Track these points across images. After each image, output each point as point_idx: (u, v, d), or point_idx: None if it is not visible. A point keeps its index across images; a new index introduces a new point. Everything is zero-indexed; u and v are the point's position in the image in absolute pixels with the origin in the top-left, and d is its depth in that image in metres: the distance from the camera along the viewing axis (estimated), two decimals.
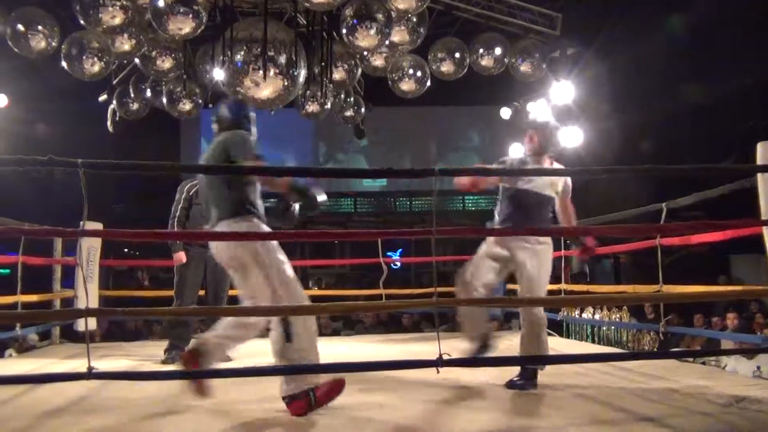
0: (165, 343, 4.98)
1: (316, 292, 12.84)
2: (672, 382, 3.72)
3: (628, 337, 7.34)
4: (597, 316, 7.51)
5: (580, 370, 4.17)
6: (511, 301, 6.38)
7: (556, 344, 5.91)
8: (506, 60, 6.98)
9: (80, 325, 6.14)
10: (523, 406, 3.20)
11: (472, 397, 3.45)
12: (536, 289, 3.89)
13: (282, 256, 3.28)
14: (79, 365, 4.38)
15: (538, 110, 7.86)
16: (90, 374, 2.74)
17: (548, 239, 3.98)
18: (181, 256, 4.97)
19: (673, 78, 10.88)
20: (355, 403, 3.31)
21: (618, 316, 7.48)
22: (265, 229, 3.37)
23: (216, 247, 3.32)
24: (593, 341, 7.27)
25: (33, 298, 5.70)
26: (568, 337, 7.23)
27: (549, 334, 6.47)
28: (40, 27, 5.91)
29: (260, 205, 3.42)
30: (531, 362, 3.91)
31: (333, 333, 8.43)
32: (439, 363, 2.78)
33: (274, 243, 3.29)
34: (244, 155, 3.26)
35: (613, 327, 7.42)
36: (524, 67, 7.05)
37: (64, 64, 6.14)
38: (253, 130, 3.59)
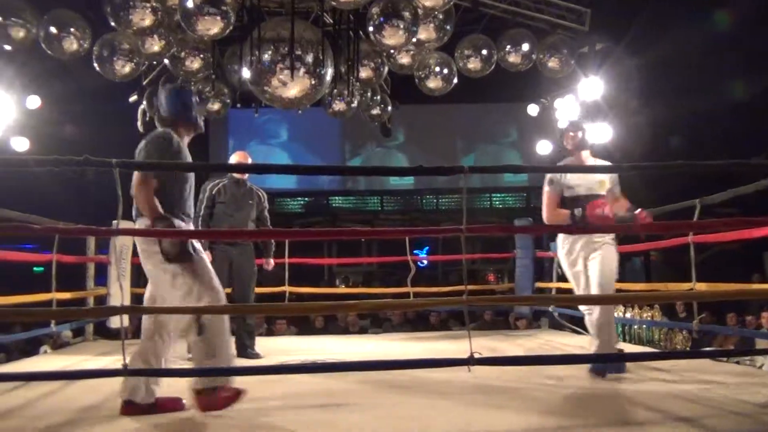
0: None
1: (343, 290, 12.90)
2: (706, 382, 3.65)
3: (660, 336, 7.24)
4: (628, 315, 7.42)
5: None
6: (542, 299, 6.34)
7: (586, 343, 5.84)
8: (534, 56, 6.92)
9: (113, 322, 6.25)
10: (555, 406, 3.17)
11: (503, 396, 3.42)
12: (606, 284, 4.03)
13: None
14: (112, 361, 4.47)
15: (566, 108, 7.78)
16: (125, 370, 2.79)
17: (607, 236, 4.10)
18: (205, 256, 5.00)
19: (704, 73, 10.70)
20: (385, 401, 3.31)
21: (649, 314, 7.38)
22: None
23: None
24: (624, 340, 7.17)
25: (67, 295, 5.82)
26: None
27: (579, 333, 6.45)
28: (72, 29, 6.01)
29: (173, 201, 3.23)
30: (554, 363, 3.91)
31: (360, 331, 8.46)
32: (470, 362, 2.76)
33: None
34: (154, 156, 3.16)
35: (644, 326, 7.32)
36: (552, 63, 6.98)
37: (95, 65, 6.24)
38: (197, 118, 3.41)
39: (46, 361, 5.24)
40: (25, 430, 2.80)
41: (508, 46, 6.86)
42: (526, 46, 6.84)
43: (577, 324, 6.90)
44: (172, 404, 3.11)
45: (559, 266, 6.96)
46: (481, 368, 3.12)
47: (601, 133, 7.54)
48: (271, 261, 5.48)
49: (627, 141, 8.57)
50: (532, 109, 8.42)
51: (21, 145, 7.11)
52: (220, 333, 3.07)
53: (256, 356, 5.12)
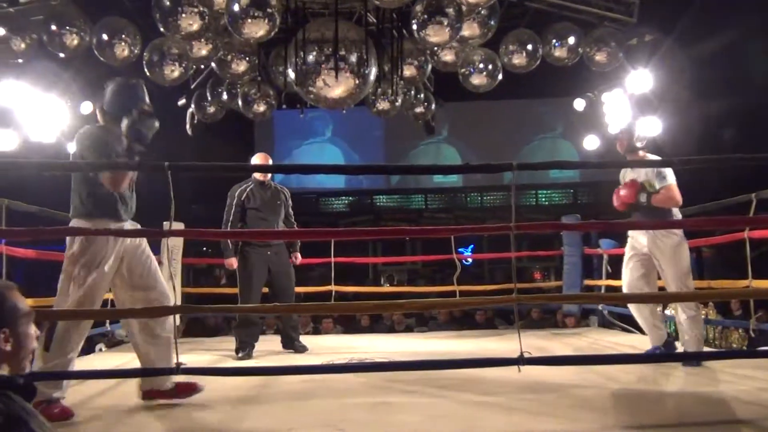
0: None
1: (388, 289, 12.92)
2: (764, 382, 3.53)
3: (715, 334, 7.03)
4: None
5: (665, 369, 4.02)
6: (592, 297, 6.23)
7: (637, 342, 5.72)
8: (580, 50, 6.79)
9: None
10: (607, 406, 3.11)
11: (553, 395, 3.37)
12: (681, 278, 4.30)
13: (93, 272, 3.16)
14: None
15: (614, 102, 7.62)
16: (178, 369, 2.85)
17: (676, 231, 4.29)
18: (232, 262, 5.20)
19: (757, 64, 10.33)
20: (433, 401, 3.30)
21: (703, 312, 7.16)
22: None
23: None
24: (677, 339, 6.99)
25: None
26: None
27: (629, 331, 6.32)
28: (123, 36, 6.16)
29: (110, 203, 3.22)
30: (607, 362, 3.84)
31: (406, 329, 8.45)
32: (520, 361, 2.74)
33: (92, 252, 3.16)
34: (97, 151, 3.14)
35: None
36: (599, 57, 6.83)
37: (145, 70, 6.38)
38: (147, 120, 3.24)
39: (101, 359, 5.39)
40: (83, 426, 2.88)
41: (554, 41, 6.74)
42: (572, 40, 6.71)
43: (627, 322, 6.76)
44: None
45: (608, 263, 6.87)
46: (531, 367, 3.08)
47: (651, 126, 7.36)
48: (299, 255, 5.51)
49: (678, 135, 8.34)
50: (579, 104, 8.27)
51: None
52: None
53: (303, 348, 5.23)
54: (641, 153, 4.42)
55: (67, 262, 3.15)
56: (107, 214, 3.19)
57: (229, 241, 5.32)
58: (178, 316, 5.61)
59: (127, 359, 5.10)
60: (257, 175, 5.29)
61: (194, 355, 4.94)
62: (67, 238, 3.18)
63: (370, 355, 5.18)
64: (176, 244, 6.30)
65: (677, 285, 4.18)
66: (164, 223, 3.63)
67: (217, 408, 3.16)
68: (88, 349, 6.94)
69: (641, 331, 6.66)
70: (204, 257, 13.24)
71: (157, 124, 3.17)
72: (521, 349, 2.75)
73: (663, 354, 4.27)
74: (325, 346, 5.79)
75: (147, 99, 3.32)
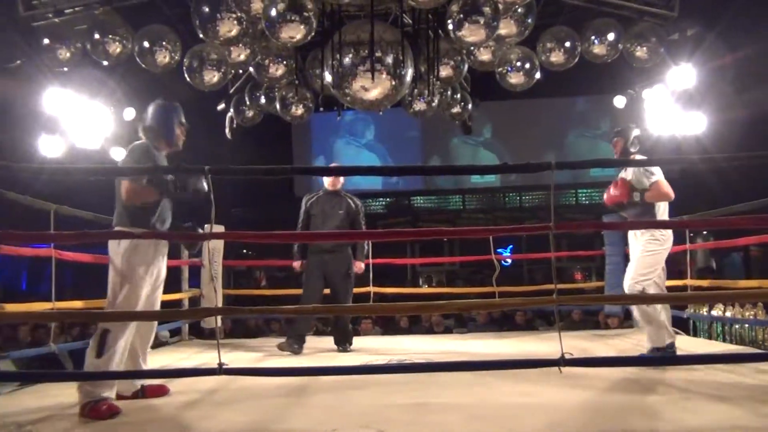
0: (282, 340, 5.35)
1: (427, 290, 12.90)
2: None
3: (764, 335, 6.83)
4: (728, 314, 7.04)
5: (712, 371, 3.91)
6: (635, 298, 6.11)
7: (683, 343, 5.59)
8: (620, 46, 6.67)
9: (207, 322, 6.50)
10: (656, 409, 3.04)
11: (596, 397, 3.32)
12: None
13: (147, 276, 3.32)
14: (208, 360, 4.65)
15: (655, 98, 7.46)
16: (220, 370, 2.89)
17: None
18: (295, 265, 5.67)
19: None
20: (474, 401, 3.29)
21: (752, 313, 6.96)
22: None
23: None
24: (724, 340, 6.82)
25: (165, 297, 6.09)
26: (696, 336, 6.83)
27: (675, 333, 6.17)
28: (164, 43, 6.29)
29: (143, 215, 3.37)
30: (653, 364, 3.76)
31: (445, 330, 8.43)
32: (561, 362, 2.70)
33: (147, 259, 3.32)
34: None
35: (746, 325, 6.92)
36: (640, 53, 6.69)
37: (186, 76, 6.50)
38: (176, 136, 3.58)
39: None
40: (130, 424, 2.95)
41: (593, 37, 6.63)
42: (611, 36, 6.60)
43: (672, 323, 6.61)
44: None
45: None
46: (572, 369, 3.04)
47: (695, 123, 7.19)
48: (360, 264, 5.78)
49: (722, 131, 8.13)
50: (619, 101, 8.13)
51: (119, 155, 7.51)
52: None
53: (345, 349, 5.56)
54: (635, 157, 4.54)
55: (112, 271, 3.30)
56: (142, 226, 3.34)
57: (295, 245, 5.77)
58: (220, 318, 5.71)
59: (171, 360, 5.21)
60: (326, 184, 5.71)
61: (235, 354, 5.00)
62: (110, 248, 3.30)
63: (408, 356, 5.18)
64: (217, 246, 6.40)
65: (629, 282, 4.41)
66: (205, 225, 3.69)
67: (258, 408, 3.20)
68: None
69: (687, 332, 6.55)
70: (244, 259, 13.43)
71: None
72: (562, 350, 2.71)
73: (717, 355, 4.20)
74: (365, 347, 5.81)
75: (183, 119, 3.63)
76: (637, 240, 4.50)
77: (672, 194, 4.38)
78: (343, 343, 5.57)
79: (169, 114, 3.58)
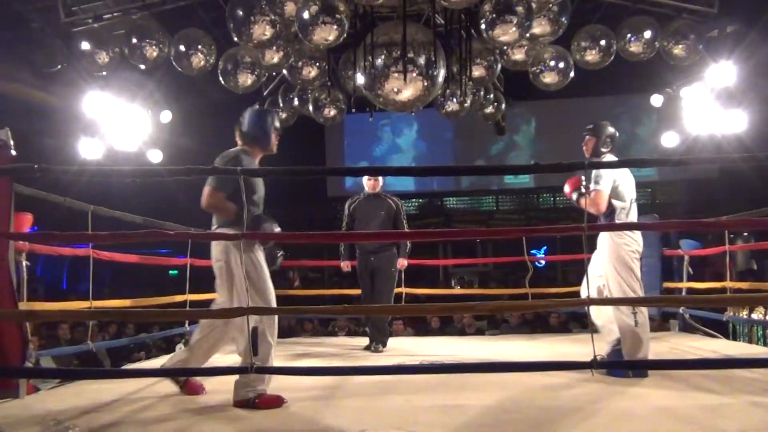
0: (315, 340, 5.42)
1: (459, 291, 12.84)
2: None
3: None
4: None
5: (754, 375, 3.81)
6: (670, 300, 6.00)
7: (721, 347, 5.46)
8: (657, 44, 6.55)
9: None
10: (693, 414, 2.97)
11: (628, 402, 3.27)
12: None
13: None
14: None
15: (694, 97, 7.31)
16: (252, 369, 2.92)
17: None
18: (342, 265, 5.92)
19: None
20: (505, 404, 3.26)
21: None
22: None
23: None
24: (765, 344, 6.64)
25: (199, 296, 6.19)
26: (735, 340, 6.66)
27: (713, 336, 6.05)
28: (199, 46, 6.39)
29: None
30: (685, 367, 3.69)
31: (477, 332, 8.38)
32: (593, 365, 2.66)
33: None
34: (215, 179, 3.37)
35: None
36: (677, 50, 6.56)
37: (220, 79, 6.60)
38: (272, 141, 3.69)
39: None
40: (165, 421, 3.00)
41: (629, 35, 6.52)
42: (648, 34, 6.48)
43: (711, 326, 6.46)
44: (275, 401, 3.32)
45: (690, 265, 6.58)
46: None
47: (735, 121, 7.02)
48: (403, 261, 5.91)
49: (764, 129, 7.92)
50: (656, 100, 7.98)
51: (156, 157, 7.66)
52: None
53: (378, 349, 5.64)
54: (607, 157, 4.25)
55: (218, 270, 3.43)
56: (238, 226, 3.38)
57: (341, 247, 6.00)
58: (252, 318, 5.77)
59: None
60: (366, 187, 5.83)
61: None
62: (214, 250, 3.43)
63: (440, 357, 5.16)
64: None
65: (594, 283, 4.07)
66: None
67: (290, 408, 3.23)
68: (168, 349, 7.24)
69: (726, 336, 6.39)
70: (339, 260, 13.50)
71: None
72: (594, 352, 2.67)
73: (759, 359, 4.07)
74: (396, 348, 5.81)
75: (279, 125, 3.76)
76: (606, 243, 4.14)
77: (602, 209, 4.01)
78: (378, 342, 5.64)
79: (265, 119, 3.67)
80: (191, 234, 4.71)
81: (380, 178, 5.98)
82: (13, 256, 3.42)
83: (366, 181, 5.89)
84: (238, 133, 3.65)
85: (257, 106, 3.83)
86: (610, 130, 4.31)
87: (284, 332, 8.47)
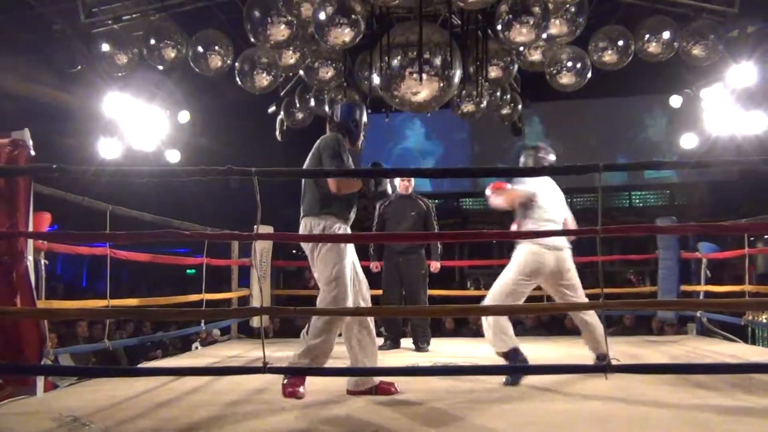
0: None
1: (474, 292, 12.78)
2: None
3: None
4: None
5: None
6: (687, 304, 5.95)
7: (740, 351, 5.39)
8: (676, 44, 6.48)
9: (255, 321, 6.61)
10: (711, 419, 2.94)
11: (644, 406, 3.23)
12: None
13: (345, 260, 3.49)
14: (255, 359, 4.72)
15: (713, 98, 7.23)
16: (265, 369, 2.94)
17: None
18: (372, 266, 5.90)
19: None
20: (518, 406, 3.25)
21: None
22: (339, 227, 3.58)
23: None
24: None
25: (215, 296, 6.24)
26: (755, 344, 6.58)
27: (732, 340, 5.97)
28: (216, 47, 6.45)
29: (340, 205, 3.59)
30: (700, 371, 3.64)
31: None
32: (607, 368, 2.65)
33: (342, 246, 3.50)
34: (330, 156, 3.52)
35: None
36: (697, 51, 6.49)
37: (237, 79, 6.64)
38: (361, 136, 3.80)
39: (196, 357, 5.63)
40: (179, 420, 3.03)
41: (648, 36, 6.47)
42: (667, 34, 6.42)
43: (730, 330, 6.38)
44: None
45: (708, 268, 6.51)
46: (621, 376, 2.97)
47: (756, 122, 6.93)
48: (436, 264, 6.07)
49: None
50: (675, 101, 7.90)
51: (173, 157, 7.73)
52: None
53: (423, 348, 5.77)
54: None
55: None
56: (336, 214, 3.56)
57: (371, 248, 6.05)
58: (266, 317, 5.83)
59: (220, 358, 5.32)
60: (399, 188, 5.85)
61: (283, 353, 5.07)
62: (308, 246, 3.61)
63: (455, 359, 5.15)
64: (265, 247, 6.51)
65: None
66: (254, 226, 3.76)
67: (303, 407, 3.24)
68: (185, 348, 7.30)
69: (744, 340, 6.31)
70: (294, 260, 13.58)
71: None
72: (608, 355, 2.65)
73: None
74: (411, 349, 5.81)
75: (365, 118, 3.85)
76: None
77: (509, 204, 4.20)
78: (422, 343, 5.75)
79: (358, 114, 3.77)
80: (206, 234, 4.74)
81: (412, 180, 6.01)
82: (31, 255, 3.47)
83: (399, 182, 5.88)
84: (329, 122, 3.79)
85: (351, 101, 3.97)
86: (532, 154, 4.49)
87: (299, 332, 8.51)
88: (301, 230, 3.63)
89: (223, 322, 6.83)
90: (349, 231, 3.68)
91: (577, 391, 3.53)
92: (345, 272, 3.45)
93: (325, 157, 3.55)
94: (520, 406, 3.26)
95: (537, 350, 5.73)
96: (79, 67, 6.50)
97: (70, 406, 3.25)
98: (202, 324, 6.24)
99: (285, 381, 3.43)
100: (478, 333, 8.26)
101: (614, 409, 3.14)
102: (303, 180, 3.73)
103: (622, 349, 5.15)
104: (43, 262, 3.74)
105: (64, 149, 8.07)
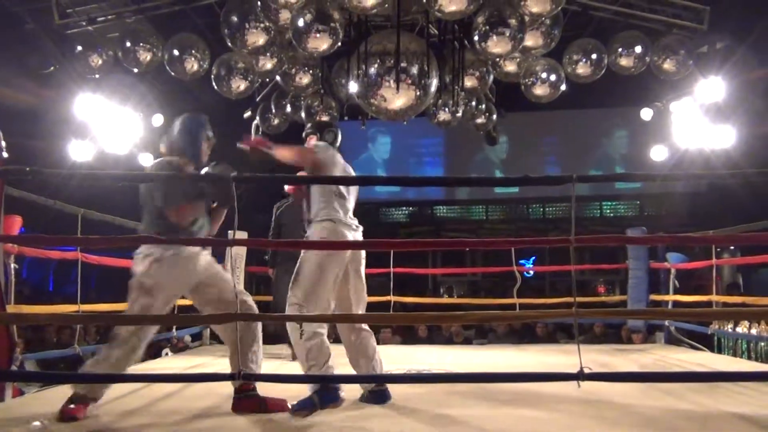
0: None
1: (447, 300, 12.85)
2: None
3: None
4: (753, 331, 6.90)
5: (739, 389, 3.85)
6: (657, 313, 6.05)
7: (706, 360, 5.51)
8: (647, 58, 6.63)
9: None
10: (680, 426, 3.00)
11: (615, 412, 3.29)
12: None
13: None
14: (228, 366, 4.67)
15: (683, 111, 7.39)
16: (239, 375, 2.92)
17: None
18: (271, 272, 5.72)
19: None
20: (491, 413, 3.27)
21: None
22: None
23: None
24: (749, 358, 6.69)
25: (187, 301, 6.16)
26: (720, 353, 6.71)
27: (698, 349, 6.09)
28: (193, 51, 6.41)
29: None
30: (669, 380, 3.70)
31: (465, 341, 8.38)
32: (580, 376, 2.68)
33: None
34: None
35: None
36: (668, 65, 6.64)
37: (213, 84, 6.61)
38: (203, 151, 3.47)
39: (167, 364, 5.57)
40: (150, 427, 2.99)
41: (620, 49, 6.60)
42: (639, 49, 6.56)
43: (696, 339, 6.52)
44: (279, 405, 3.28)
45: (676, 278, 6.63)
46: (591, 383, 3.02)
47: (724, 136, 7.11)
48: None
49: (753, 144, 8.01)
50: (646, 114, 8.07)
51: (147, 160, 7.64)
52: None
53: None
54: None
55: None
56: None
57: (269, 253, 5.87)
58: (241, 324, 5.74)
59: (191, 364, 5.27)
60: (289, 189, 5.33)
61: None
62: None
63: (428, 366, 5.17)
64: (239, 252, 6.47)
65: None
66: (229, 232, 3.74)
67: (278, 416, 3.22)
68: (154, 354, 7.20)
69: (711, 349, 6.44)
70: (267, 266, 13.50)
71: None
72: (581, 364, 2.69)
73: (743, 373, 4.09)
74: (383, 356, 5.80)
75: (211, 134, 3.53)
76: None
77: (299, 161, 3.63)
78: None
79: (194, 128, 3.49)
80: (181, 239, 4.68)
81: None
82: (1, 259, 3.40)
83: (287, 188, 5.15)
84: (164, 145, 3.50)
85: (186, 115, 3.56)
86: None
87: (272, 339, 8.44)
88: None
89: (194, 328, 6.76)
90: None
91: (548, 397, 3.57)
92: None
93: (158, 188, 3.25)
94: (491, 412, 3.29)
95: (508, 358, 5.79)
96: (52, 68, 6.41)
97: (37, 412, 3.19)
98: (173, 330, 6.17)
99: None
100: (450, 340, 8.32)
101: (585, 416, 3.19)
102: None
103: (593, 358, 5.21)
104: (12, 266, 3.68)
105: (32, 151, 7.92)
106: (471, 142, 13.79)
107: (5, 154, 3.37)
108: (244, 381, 3.10)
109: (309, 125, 4.05)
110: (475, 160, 14.98)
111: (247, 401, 3.25)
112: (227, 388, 3.38)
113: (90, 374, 3.13)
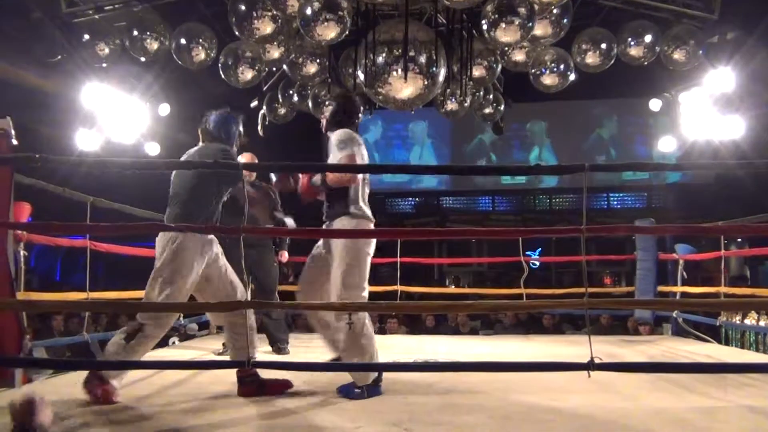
0: (309, 336, 5.32)
1: (454, 290, 12.86)
2: None
3: None
4: (762, 323, 6.88)
5: (747, 380, 3.83)
6: (666, 303, 6.03)
7: (714, 351, 5.50)
8: (657, 48, 6.57)
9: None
10: (688, 417, 2.99)
11: (624, 404, 3.29)
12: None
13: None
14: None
15: (692, 102, 7.33)
16: (248, 363, 2.93)
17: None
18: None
19: None
20: (500, 403, 3.28)
21: None
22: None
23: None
24: (756, 350, 6.67)
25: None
26: (728, 345, 6.70)
27: (705, 340, 6.07)
28: (200, 40, 6.38)
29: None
30: (681, 371, 3.69)
31: (471, 331, 8.40)
32: (590, 366, 2.68)
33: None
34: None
35: None
36: (677, 55, 6.59)
37: (221, 73, 6.59)
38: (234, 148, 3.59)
39: (174, 352, 5.59)
40: (160, 414, 3.00)
41: (629, 39, 6.55)
42: (648, 38, 6.51)
43: (703, 331, 6.50)
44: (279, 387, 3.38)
45: (684, 270, 6.61)
46: (599, 374, 3.01)
47: (733, 127, 7.05)
48: (284, 254, 5.61)
49: (762, 135, 7.96)
50: (655, 104, 8.01)
51: (153, 149, 7.64)
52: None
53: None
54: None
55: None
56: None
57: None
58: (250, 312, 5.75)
59: (199, 353, 5.29)
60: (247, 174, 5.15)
61: (264, 348, 5.04)
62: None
63: (435, 355, 5.17)
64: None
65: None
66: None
67: (286, 404, 3.23)
68: (162, 342, 7.23)
69: (718, 341, 6.43)
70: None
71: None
72: (591, 353, 2.69)
73: (751, 364, 4.08)
74: (390, 346, 5.81)
75: (242, 128, 3.70)
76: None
77: (345, 179, 3.47)
78: (277, 344, 5.19)
79: (227, 122, 3.60)
80: (189, 227, 4.69)
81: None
82: (11, 246, 3.41)
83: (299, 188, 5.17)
84: (201, 132, 3.57)
85: (221, 110, 3.63)
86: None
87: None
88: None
89: (201, 316, 6.77)
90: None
91: (557, 388, 3.57)
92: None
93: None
94: (499, 402, 3.29)
95: (515, 348, 5.79)
96: (59, 57, 6.40)
97: (47, 399, 3.20)
98: (181, 318, 6.19)
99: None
100: (457, 330, 8.33)
101: (594, 406, 3.19)
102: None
103: (601, 349, 5.17)
104: (22, 253, 3.69)
105: (40, 139, 7.94)
106: (479, 131, 13.74)
107: (15, 141, 3.38)
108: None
109: (333, 110, 3.96)
110: (482, 150, 14.96)
111: (248, 386, 3.32)
112: (232, 376, 3.40)
113: (104, 361, 3.14)
